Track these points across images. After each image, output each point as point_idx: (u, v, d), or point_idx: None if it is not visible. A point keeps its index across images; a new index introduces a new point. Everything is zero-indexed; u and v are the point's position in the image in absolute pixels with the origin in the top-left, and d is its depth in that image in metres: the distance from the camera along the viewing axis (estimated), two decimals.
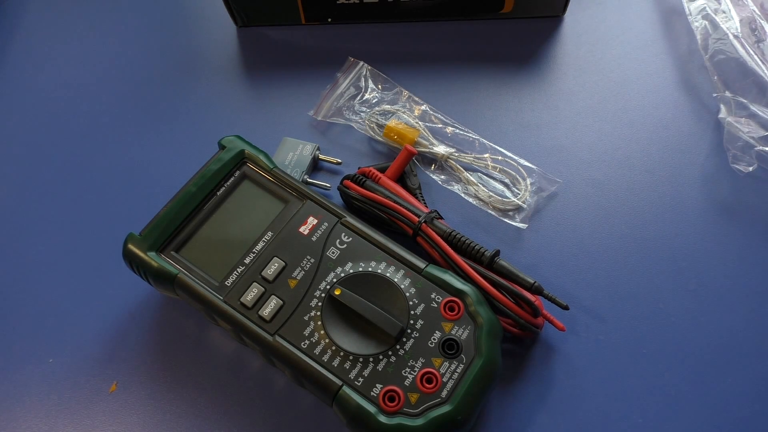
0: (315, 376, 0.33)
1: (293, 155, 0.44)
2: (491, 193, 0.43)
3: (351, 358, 0.34)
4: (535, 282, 0.37)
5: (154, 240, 0.37)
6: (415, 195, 0.43)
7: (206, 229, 0.38)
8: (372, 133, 0.46)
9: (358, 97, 0.48)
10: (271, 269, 0.36)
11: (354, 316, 0.35)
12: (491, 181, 0.44)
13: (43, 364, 0.39)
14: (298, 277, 0.36)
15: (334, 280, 0.36)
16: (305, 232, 0.38)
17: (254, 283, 0.36)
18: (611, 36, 0.51)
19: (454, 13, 0.51)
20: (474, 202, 0.43)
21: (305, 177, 0.44)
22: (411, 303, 0.35)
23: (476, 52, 0.50)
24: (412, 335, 0.34)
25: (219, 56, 0.51)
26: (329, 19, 0.51)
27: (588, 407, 0.36)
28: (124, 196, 0.45)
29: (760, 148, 0.42)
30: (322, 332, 0.34)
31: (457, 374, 0.33)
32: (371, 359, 0.34)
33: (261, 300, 0.36)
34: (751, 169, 0.42)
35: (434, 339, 0.34)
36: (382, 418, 0.32)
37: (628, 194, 0.43)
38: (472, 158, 0.44)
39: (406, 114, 0.46)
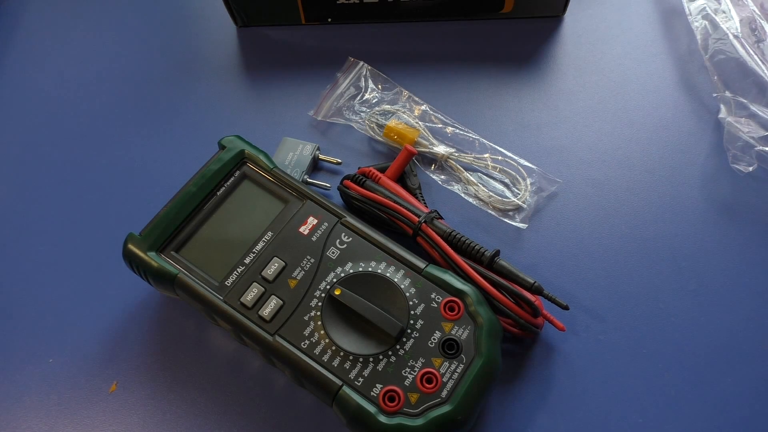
0: (315, 376, 0.33)
1: (293, 155, 0.44)
2: (491, 193, 0.43)
3: (351, 358, 0.34)
4: (535, 282, 0.37)
5: (154, 240, 0.37)
6: (415, 195, 0.43)
7: (206, 229, 0.38)
8: (372, 133, 0.46)
9: (358, 97, 0.48)
10: (271, 269, 0.36)
11: (354, 316, 0.35)
12: (491, 181, 0.44)
13: (43, 364, 0.39)
14: (298, 277, 0.36)
15: (334, 280, 0.36)
16: (305, 232, 0.38)
17: (254, 283, 0.36)
18: (611, 36, 0.51)
19: (454, 13, 0.51)
20: (474, 202, 0.43)
21: (305, 177, 0.44)
22: (411, 303, 0.35)
23: (476, 52, 0.50)
24: (412, 335, 0.34)
25: (219, 56, 0.51)
26: (329, 19, 0.51)
27: (588, 407, 0.36)
28: (124, 196, 0.45)
29: (760, 148, 0.42)
30: (322, 332, 0.34)
31: (457, 374, 0.33)
32: (371, 359, 0.34)
33: (261, 300, 0.36)
34: (751, 169, 0.42)
35: (434, 339, 0.34)
36: (382, 418, 0.32)
37: (628, 194, 0.43)
38: (472, 158, 0.44)
39: (406, 114, 0.46)
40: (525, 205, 0.43)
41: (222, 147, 0.40)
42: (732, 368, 0.37)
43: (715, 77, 0.46)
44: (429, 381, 0.33)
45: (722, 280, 0.40)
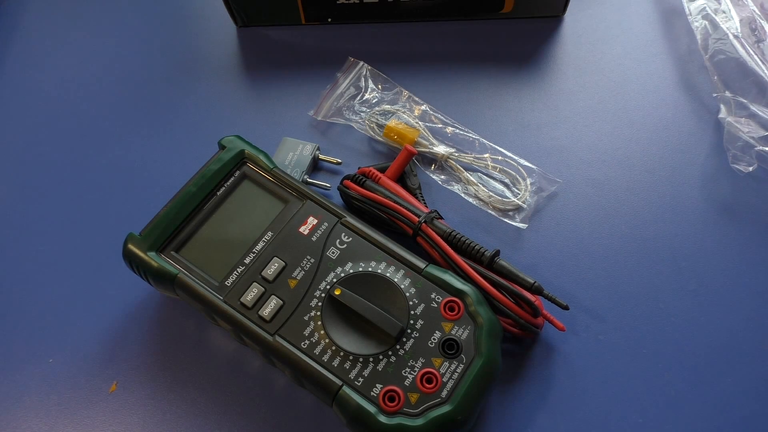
0: (315, 376, 0.33)
1: (293, 155, 0.44)
2: (491, 193, 0.43)
3: (351, 358, 0.34)
4: (535, 282, 0.37)
5: (154, 240, 0.37)
6: (415, 195, 0.43)
7: (206, 229, 0.38)
8: (372, 133, 0.46)
9: (358, 97, 0.48)
10: (271, 269, 0.36)
11: (354, 316, 0.35)
12: (491, 181, 0.44)
13: (43, 364, 0.39)
14: (298, 277, 0.36)
15: (334, 280, 0.36)
16: (305, 232, 0.38)
17: (254, 283, 0.36)
18: (611, 36, 0.51)
19: (454, 13, 0.51)
20: (474, 202, 0.43)
21: (305, 177, 0.44)
22: (411, 303, 0.35)
23: (476, 52, 0.50)
24: (412, 335, 0.34)
25: (219, 56, 0.51)
26: (329, 19, 0.51)
27: (588, 407, 0.36)
28: (124, 196, 0.45)
29: (760, 148, 0.42)
30: (322, 332, 0.34)
31: (457, 374, 0.33)
32: (371, 359, 0.34)
33: (261, 300, 0.35)
34: (751, 169, 0.42)
35: (434, 339, 0.34)
36: (382, 418, 0.32)
37: (628, 194, 0.43)
38: (472, 158, 0.44)
39: (406, 114, 0.46)
40: (525, 205, 0.43)
41: (222, 147, 0.40)
42: (732, 368, 0.37)
43: (715, 77, 0.46)
44: (429, 381, 0.33)
45: (722, 280, 0.40)
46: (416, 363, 0.34)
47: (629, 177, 0.44)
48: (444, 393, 0.33)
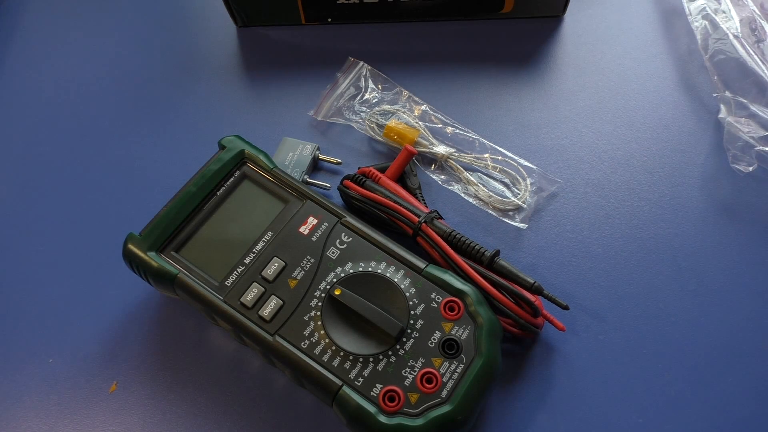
0: (315, 376, 0.33)
1: (293, 155, 0.44)
2: (491, 193, 0.43)
3: (351, 358, 0.34)
4: (535, 282, 0.37)
5: (154, 240, 0.37)
6: (415, 195, 0.43)
7: (206, 229, 0.38)
8: (372, 133, 0.46)
9: (358, 97, 0.48)
10: (271, 269, 0.36)
11: (354, 316, 0.35)
12: (491, 181, 0.44)
13: (43, 364, 0.39)
14: (298, 277, 0.36)
15: (334, 280, 0.36)
16: (305, 232, 0.38)
17: (254, 283, 0.36)
18: (611, 36, 0.51)
19: (454, 13, 0.51)
20: (474, 202, 0.43)
21: (305, 177, 0.44)
22: (411, 303, 0.35)
23: (476, 52, 0.50)
24: (412, 335, 0.34)
25: (219, 56, 0.51)
26: (329, 19, 0.51)
27: (588, 407, 0.36)
28: (124, 196, 0.45)
29: (760, 148, 0.42)
30: (322, 332, 0.34)
31: (457, 374, 0.33)
32: (371, 359, 0.34)
33: (261, 300, 0.35)
34: (751, 169, 0.42)
35: (434, 339, 0.34)
36: (382, 418, 0.32)
37: (628, 194, 0.43)
38: (472, 158, 0.44)
39: (406, 114, 0.46)
40: (525, 205, 0.43)
41: (222, 147, 0.40)
42: (732, 368, 0.37)
43: (715, 77, 0.46)
44: (429, 381, 0.33)
45: (722, 280, 0.40)
46: (416, 363, 0.34)
47: (629, 177, 0.44)
48: (444, 393, 0.33)
